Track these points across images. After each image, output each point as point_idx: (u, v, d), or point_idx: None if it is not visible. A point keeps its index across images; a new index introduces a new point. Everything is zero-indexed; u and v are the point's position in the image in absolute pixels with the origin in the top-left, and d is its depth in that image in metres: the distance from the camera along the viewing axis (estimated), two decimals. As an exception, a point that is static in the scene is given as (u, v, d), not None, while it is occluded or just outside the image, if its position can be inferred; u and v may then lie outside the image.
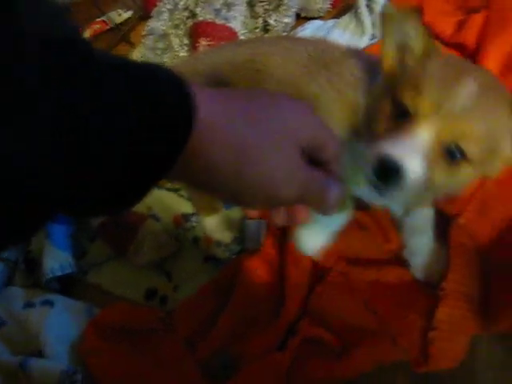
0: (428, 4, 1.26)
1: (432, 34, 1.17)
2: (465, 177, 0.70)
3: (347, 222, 0.92)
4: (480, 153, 0.66)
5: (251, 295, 1.06)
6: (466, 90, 0.64)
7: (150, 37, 1.51)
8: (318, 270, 1.05)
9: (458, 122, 0.64)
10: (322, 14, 1.52)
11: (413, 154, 0.64)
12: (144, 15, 1.68)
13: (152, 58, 1.49)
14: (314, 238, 0.93)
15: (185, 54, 1.47)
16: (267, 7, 1.44)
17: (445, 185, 0.71)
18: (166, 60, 1.46)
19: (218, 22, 1.40)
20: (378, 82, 0.77)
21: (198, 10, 1.43)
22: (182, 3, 1.49)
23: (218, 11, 1.41)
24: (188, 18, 1.48)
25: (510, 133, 0.69)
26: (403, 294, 0.97)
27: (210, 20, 1.40)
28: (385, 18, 0.72)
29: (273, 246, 1.09)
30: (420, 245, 0.97)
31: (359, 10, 1.36)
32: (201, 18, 1.42)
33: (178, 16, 1.48)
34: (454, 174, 0.68)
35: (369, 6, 1.37)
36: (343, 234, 1.05)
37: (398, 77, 0.73)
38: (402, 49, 0.73)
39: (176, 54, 1.47)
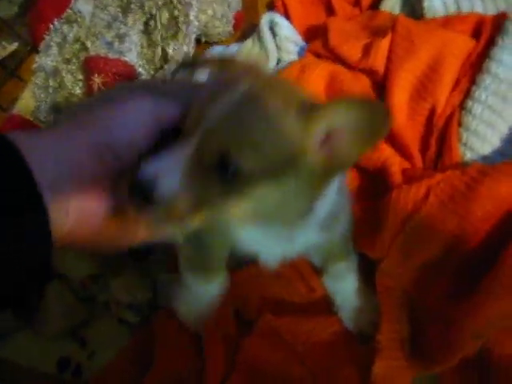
0: (332, 25, 1.20)
1: (339, 58, 1.16)
2: (262, 195, 0.61)
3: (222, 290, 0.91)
4: (262, 164, 0.59)
5: (173, 357, 0.99)
6: (230, 99, 0.60)
7: (40, 74, 1.37)
8: (244, 322, 1.00)
9: (218, 132, 0.58)
10: (223, 38, 1.43)
11: (167, 165, 0.58)
12: (34, 47, 1.53)
13: (44, 97, 1.36)
14: (193, 311, 0.93)
15: (80, 92, 1.34)
16: (164, 35, 1.34)
17: (248, 206, 0.62)
18: (60, 99, 1.34)
19: (112, 56, 1.28)
20: None
21: (88, 44, 1.31)
22: (71, 35, 1.36)
23: (110, 44, 1.30)
24: (80, 50, 1.36)
25: (306, 142, 0.62)
26: (337, 345, 0.94)
27: (102, 55, 1.28)
28: None
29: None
30: (345, 294, 0.94)
31: (261, 35, 1.29)
32: (93, 53, 1.30)
33: (68, 49, 1.35)
34: (235, 190, 0.60)
35: (272, 29, 1.31)
36: (262, 282, 1.02)
37: None
38: None
39: (70, 91, 1.34)
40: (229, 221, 0.69)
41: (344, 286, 0.94)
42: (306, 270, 0.99)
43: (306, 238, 0.78)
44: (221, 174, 0.59)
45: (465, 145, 0.97)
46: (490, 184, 0.85)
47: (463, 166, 0.95)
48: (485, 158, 0.96)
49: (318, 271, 0.98)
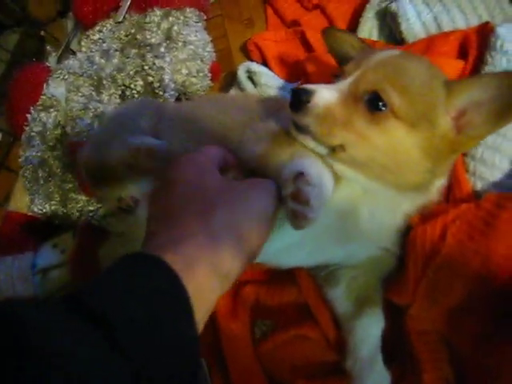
0: (309, 65, 1.16)
1: None
2: (395, 135, 0.70)
3: None
4: (406, 107, 0.68)
5: None
6: (389, 52, 0.74)
7: (28, 167, 1.34)
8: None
9: (374, 71, 0.70)
10: (204, 92, 1.39)
11: (326, 87, 0.71)
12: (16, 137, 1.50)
13: (36, 189, 1.33)
14: None
15: (71, 176, 1.31)
16: (143, 101, 1.31)
17: (374, 141, 0.70)
18: (51, 189, 1.30)
19: (95, 138, 1.25)
20: None
21: (69, 130, 1.28)
22: (50, 121, 1.33)
23: (90, 125, 1.26)
24: (62, 135, 1.33)
25: (445, 109, 0.71)
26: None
27: (84, 138, 1.25)
28: (326, 35, 0.89)
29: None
30: (370, 346, 0.87)
31: (241, 86, 1.24)
32: (74, 139, 1.26)
33: (50, 136, 1.32)
34: (380, 126, 0.69)
35: (250, 78, 1.26)
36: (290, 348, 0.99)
37: None
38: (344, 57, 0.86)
39: (61, 178, 1.31)
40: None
41: (370, 337, 0.88)
42: (331, 331, 0.94)
43: (359, 246, 0.85)
44: (370, 107, 0.69)
45: (473, 174, 0.91)
46: (509, 217, 0.79)
47: (476, 197, 0.90)
48: (497, 185, 0.90)
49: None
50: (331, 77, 0.79)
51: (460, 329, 0.85)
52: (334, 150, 0.71)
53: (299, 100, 0.69)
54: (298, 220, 0.61)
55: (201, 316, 0.51)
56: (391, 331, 0.90)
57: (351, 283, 0.91)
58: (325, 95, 0.69)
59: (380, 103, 0.68)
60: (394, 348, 0.90)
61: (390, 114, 0.68)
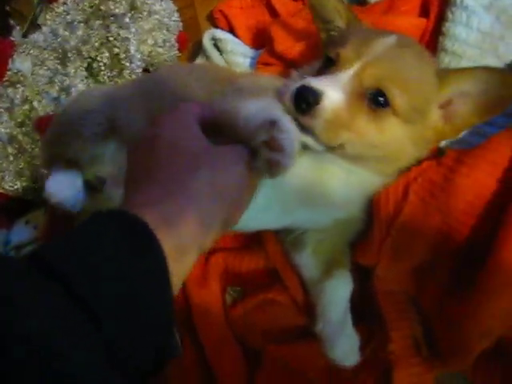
0: (275, 30, 1.16)
1: (291, 63, 1.11)
2: (392, 132, 0.72)
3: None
4: (405, 105, 0.70)
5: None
6: (387, 41, 0.71)
7: (-3, 144, 1.33)
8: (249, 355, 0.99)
9: (377, 65, 0.70)
10: (172, 63, 1.38)
11: (331, 85, 0.69)
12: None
13: (6, 166, 1.32)
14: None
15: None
16: (110, 74, 1.30)
17: (372, 138, 0.72)
18: (22, 165, 1.30)
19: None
20: None
21: (35, 104, 1.27)
22: (18, 97, 1.31)
23: (56, 99, 1.26)
24: (30, 110, 1.32)
25: (436, 100, 0.74)
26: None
27: (51, 113, 1.24)
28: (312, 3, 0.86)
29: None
30: (338, 309, 0.88)
31: (207, 54, 1.23)
32: (41, 113, 1.25)
33: (18, 113, 1.31)
34: (379, 124, 0.71)
35: (216, 45, 1.25)
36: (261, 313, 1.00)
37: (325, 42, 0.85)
38: (328, 23, 0.85)
39: (31, 154, 1.30)
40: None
41: (338, 299, 0.88)
42: (299, 295, 0.96)
43: (326, 210, 0.86)
44: (371, 103, 0.70)
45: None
46: (468, 172, 0.80)
47: (439, 154, 0.90)
48: (461, 143, 0.89)
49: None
50: (321, 69, 0.77)
51: (424, 287, 0.86)
52: (333, 148, 0.72)
53: (306, 102, 0.67)
54: (274, 168, 0.61)
55: (176, 279, 0.50)
56: (359, 293, 0.91)
57: (318, 247, 0.91)
58: (333, 98, 0.67)
59: (381, 99, 0.70)
60: (363, 309, 0.92)
61: (391, 111, 0.70)
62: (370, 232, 0.89)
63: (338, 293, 0.88)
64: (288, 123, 0.63)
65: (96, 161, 1.00)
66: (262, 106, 0.68)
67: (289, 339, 0.97)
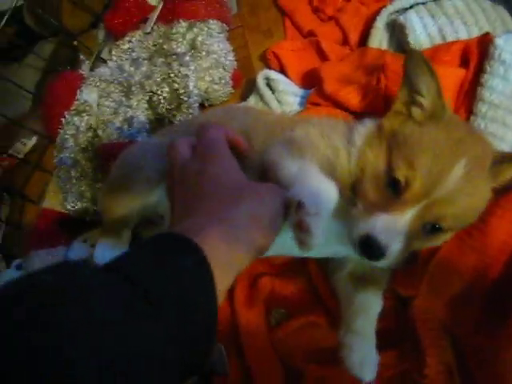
0: (325, 72, 1.23)
1: (338, 104, 1.18)
2: (442, 240, 0.83)
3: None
4: (459, 226, 0.80)
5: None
6: (456, 175, 0.72)
7: (62, 167, 1.44)
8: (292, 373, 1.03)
9: (442, 206, 0.73)
10: (226, 99, 1.48)
11: (396, 237, 0.73)
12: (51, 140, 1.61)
13: (69, 188, 1.42)
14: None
15: (101, 177, 1.40)
16: (168, 107, 1.40)
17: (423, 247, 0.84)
18: (83, 188, 1.40)
19: (123, 139, 1.35)
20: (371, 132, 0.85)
21: (100, 132, 1.38)
22: (83, 124, 1.43)
23: (120, 129, 1.36)
24: (93, 137, 1.42)
25: (492, 183, 0.80)
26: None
27: (114, 140, 1.35)
28: (411, 58, 0.80)
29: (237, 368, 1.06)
30: (366, 326, 0.91)
31: (260, 92, 1.33)
32: (105, 141, 1.36)
33: (82, 139, 1.42)
34: (431, 242, 0.80)
35: (268, 85, 1.35)
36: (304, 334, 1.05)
37: (395, 136, 0.80)
38: (414, 92, 0.82)
39: (92, 178, 1.41)
40: None
41: (366, 311, 0.92)
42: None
43: None
44: (425, 232, 0.76)
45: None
46: (502, 213, 0.86)
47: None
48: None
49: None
50: (385, 186, 0.78)
51: (460, 317, 0.91)
52: None
53: (370, 251, 0.73)
54: (303, 245, 0.67)
55: (219, 294, 0.56)
56: (395, 318, 0.97)
57: (357, 267, 0.96)
58: (395, 249, 0.73)
59: (436, 229, 0.76)
60: (391, 336, 0.96)
61: (442, 232, 0.78)
62: (411, 266, 0.94)
63: (367, 305, 0.92)
64: (315, 206, 0.67)
65: (152, 203, 1.06)
66: (298, 178, 0.75)
67: (329, 359, 1.00)
